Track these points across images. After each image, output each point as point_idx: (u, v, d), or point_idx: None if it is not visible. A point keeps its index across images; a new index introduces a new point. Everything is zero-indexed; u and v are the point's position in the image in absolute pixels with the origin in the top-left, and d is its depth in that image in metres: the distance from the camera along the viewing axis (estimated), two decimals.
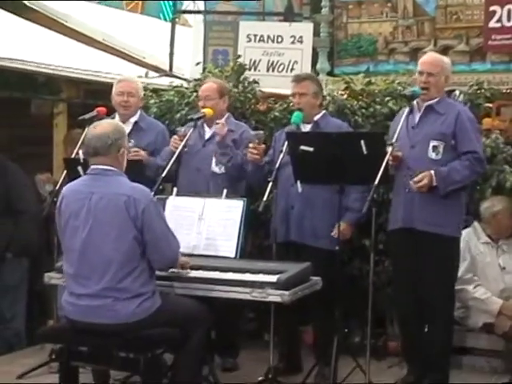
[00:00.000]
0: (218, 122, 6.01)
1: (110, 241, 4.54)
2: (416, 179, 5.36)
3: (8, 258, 6.86)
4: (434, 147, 5.48)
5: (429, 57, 5.77)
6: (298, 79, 5.96)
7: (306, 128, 5.87)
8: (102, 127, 4.73)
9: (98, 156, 4.65)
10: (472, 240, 6.23)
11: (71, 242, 4.63)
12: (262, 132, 5.96)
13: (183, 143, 5.85)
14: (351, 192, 5.64)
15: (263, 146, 5.79)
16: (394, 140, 5.34)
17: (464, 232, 6.14)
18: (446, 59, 5.80)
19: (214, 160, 5.99)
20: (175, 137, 5.99)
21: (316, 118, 5.89)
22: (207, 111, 6.01)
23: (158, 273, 4.74)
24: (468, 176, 5.47)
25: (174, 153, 5.77)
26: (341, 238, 5.57)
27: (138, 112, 6.38)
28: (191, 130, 5.92)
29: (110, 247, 4.53)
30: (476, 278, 6.19)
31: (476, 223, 6.28)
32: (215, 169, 6.00)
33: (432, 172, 5.38)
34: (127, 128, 6.05)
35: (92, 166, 4.70)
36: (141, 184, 4.71)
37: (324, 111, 6.00)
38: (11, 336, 6.92)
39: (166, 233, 4.67)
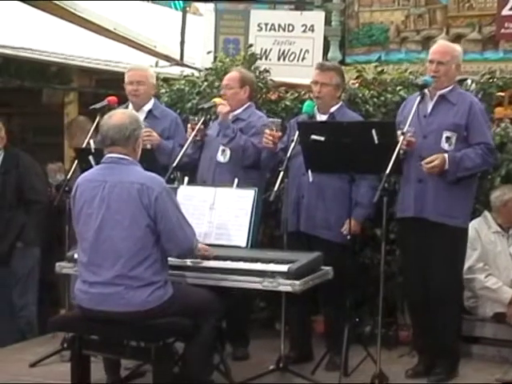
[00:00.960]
0: (220, 102, 6.00)
1: (122, 229, 4.54)
2: (428, 159, 5.35)
3: (19, 247, 6.89)
4: (447, 138, 5.46)
5: (439, 45, 5.73)
6: (323, 68, 5.88)
7: (322, 118, 5.84)
8: (118, 117, 4.71)
9: (115, 146, 4.65)
10: (483, 229, 6.21)
11: (84, 230, 4.64)
12: (279, 120, 5.91)
13: (194, 132, 5.89)
14: (361, 186, 5.64)
15: (279, 133, 5.76)
16: (405, 129, 5.33)
17: (474, 221, 6.13)
18: (458, 47, 5.76)
19: (220, 149, 5.99)
20: (188, 125, 6.03)
21: (332, 109, 5.83)
22: (218, 101, 6.02)
23: (169, 262, 4.74)
24: (479, 165, 5.45)
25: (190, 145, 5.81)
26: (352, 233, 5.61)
27: (152, 100, 6.38)
28: (202, 119, 5.95)
29: (123, 235, 4.54)
30: (487, 268, 6.18)
31: (486, 212, 6.26)
32: (220, 158, 5.99)
33: (445, 155, 5.37)
34: (141, 116, 6.07)
35: (107, 155, 4.70)
36: (153, 172, 4.71)
37: (341, 103, 5.94)
38: (23, 324, 6.96)
39: (181, 220, 4.65)
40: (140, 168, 4.70)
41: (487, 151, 5.43)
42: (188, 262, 4.91)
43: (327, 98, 5.81)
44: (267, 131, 5.69)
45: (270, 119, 5.96)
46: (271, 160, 5.86)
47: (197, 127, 5.91)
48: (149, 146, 5.83)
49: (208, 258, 4.96)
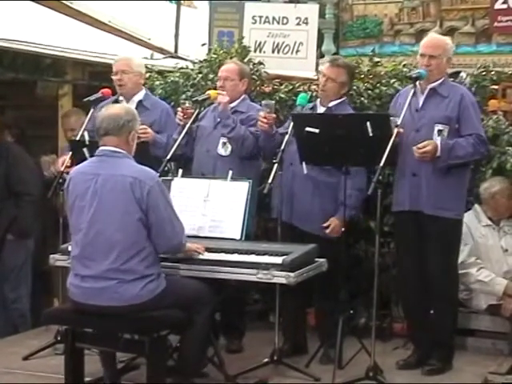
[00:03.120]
0: (220, 92, 6.01)
1: (114, 222, 4.54)
2: (421, 145, 5.35)
3: (9, 240, 6.87)
4: (439, 131, 5.47)
5: (430, 39, 5.73)
6: (334, 64, 5.89)
7: (321, 111, 5.85)
8: (114, 109, 4.77)
9: (108, 136, 4.65)
10: (473, 223, 6.20)
11: (77, 222, 4.65)
12: (272, 102, 5.91)
13: (188, 124, 5.88)
14: (347, 187, 5.51)
15: (273, 115, 5.74)
16: (399, 122, 5.33)
17: (465, 215, 6.11)
18: (449, 40, 5.75)
19: (220, 142, 5.98)
20: (179, 109, 6.04)
21: (331, 103, 5.82)
22: (212, 93, 6.01)
23: (163, 255, 4.74)
24: (471, 154, 5.45)
25: (181, 132, 5.80)
26: (331, 235, 5.59)
27: (143, 91, 6.37)
28: (197, 111, 5.94)
29: (115, 229, 4.54)
30: (479, 261, 6.18)
31: (477, 206, 6.26)
32: (221, 151, 5.98)
33: (438, 142, 5.38)
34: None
35: (100, 148, 4.71)
36: (146, 165, 4.71)
37: (344, 98, 5.92)
38: (16, 317, 6.94)
39: (171, 216, 4.65)
40: (133, 161, 4.70)
41: (479, 141, 5.45)
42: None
43: (329, 93, 5.84)
44: (261, 113, 5.69)
45: (264, 101, 5.96)
46: (270, 142, 5.78)
47: (191, 119, 5.91)
48: None
49: (200, 252, 4.95)
